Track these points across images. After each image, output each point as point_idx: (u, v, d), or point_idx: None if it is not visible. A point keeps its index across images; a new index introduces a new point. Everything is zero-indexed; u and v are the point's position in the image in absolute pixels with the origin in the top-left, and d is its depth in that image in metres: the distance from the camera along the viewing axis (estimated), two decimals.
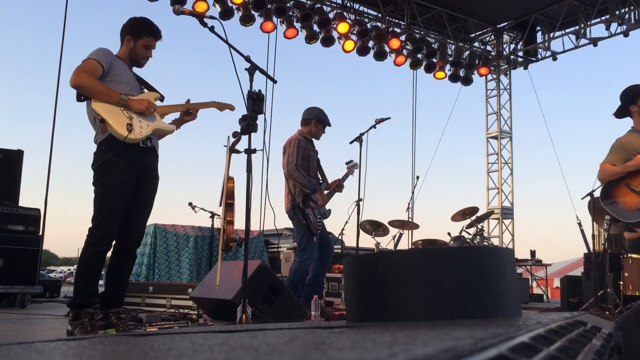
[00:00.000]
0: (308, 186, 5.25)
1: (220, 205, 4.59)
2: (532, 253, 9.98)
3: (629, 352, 1.84)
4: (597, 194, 5.22)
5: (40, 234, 6.46)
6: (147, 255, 7.71)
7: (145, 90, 3.81)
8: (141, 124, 3.52)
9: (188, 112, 3.85)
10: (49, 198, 6.94)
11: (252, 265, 4.28)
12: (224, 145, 4.41)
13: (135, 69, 3.85)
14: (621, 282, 5.96)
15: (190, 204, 6.77)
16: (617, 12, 9.74)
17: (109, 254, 3.66)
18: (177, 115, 3.89)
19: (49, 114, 7.98)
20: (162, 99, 3.86)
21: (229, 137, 4.38)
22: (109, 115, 3.43)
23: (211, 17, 3.50)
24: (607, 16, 9.90)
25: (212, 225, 6.91)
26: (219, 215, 5.27)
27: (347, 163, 5.66)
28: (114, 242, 3.60)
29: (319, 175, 5.53)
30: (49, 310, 5.91)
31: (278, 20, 9.00)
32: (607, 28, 10.06)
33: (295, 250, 8.20)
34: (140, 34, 3.71)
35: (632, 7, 9.65)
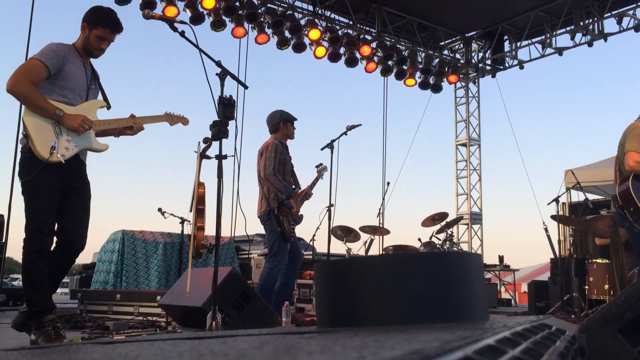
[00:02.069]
0: (284, 192, 5.24)
1: (190, 211, 4.54)
2: (501, 258, 10.14)
3: (593, 354, 1.89)
4: (563, 199, 5.32)
5: (4, 241, 6.30)
6: (115, 263, 7.58)
7: (91, 96, 3.66)
8: (68, 144, 3.39)
9: (130, 127, 3.74)
10: (13, 204, 6.78)
11: (223, 271, 4.25)
12: (195, 151, 4.37)
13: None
14: (586, 287, 6.10)
15: (159, 209, 6.68)
16: (582, 23, 10.01)
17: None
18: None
19: (14, 118, 7.79)
20: (108, 107, 3.74)
21: (199, 142, 4.33)
22: (35, 131, 3.30)
23: (182, 22, 3.47)
24: (572, 27, 10.17)
25: (182, 231, 6.83)
26: (189, 221, 5.23)
27: (317, 166, 5.67)
28: (52, 248, 3.50)
29: (292, 181, 5.53)
30: (12, 319, 5.75)
31: (249, 26, 8.99)
32: (572, 38, 10.34)
33: (266, 256, 8.19)
34: (96, 24, 3.55)
35: (595, 19, 9.93)
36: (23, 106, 3.35)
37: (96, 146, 3.59)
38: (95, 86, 3.74)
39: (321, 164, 5.66)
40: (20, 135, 3.41)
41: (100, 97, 3.78)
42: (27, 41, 7.29)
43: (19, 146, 3.45)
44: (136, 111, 3.85)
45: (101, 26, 3.55)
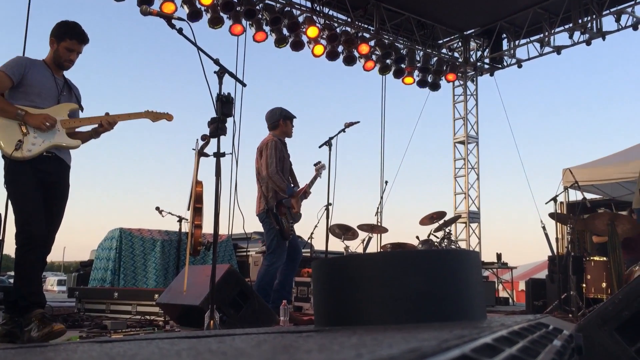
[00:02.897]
0: (286, 191, 5.23)
1: (188, 209, 4.54)
2: (498, 256, 10.15)
3: (590, 353, 1.89)
4: (561, 198, 5.34)
5: (1, 238, 6.29)
6: (112, 260, 7.57)
7: (62, 101, 3.77)
8: (35, 141, 3.54)
9: (103, 124, 3.84)
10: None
11: (221, 269, 4.25)
12: (193, 149, 4.38)
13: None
14: (584, 285, 6.12)
15: (157, 208, 6.68)
16: (580, 21, 10.01)
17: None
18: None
19: None
20: (80, 109, 3.88)
21: (197, 140, 4.34)
22: (1, 130, 3.47)
23: (179, 19, 3.47)
24: (570, 24, 10.17)
25: (180, 229, 6.83)
26: (187, 219, 5.22)
27: (315, 164, 5.66)
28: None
29: (290, 179, 5.52)
30: None
31: (247, 23, 8.97)
32: (571, 37, 10.33)
33: (264, 254, 8.19)
34: (63, 37, 3.72)
35: (594, 17, 9.93)
36: None
37: (65, 142, 3.70)
38: (69, 95, 3.84)
39: (319, 162, 5.65)
40: None
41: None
42: (24, 42, 7.26)
43: None
44: (133, 109, 3.93)
45: (68, 38, 3.74)
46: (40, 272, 3.73)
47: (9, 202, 3.65)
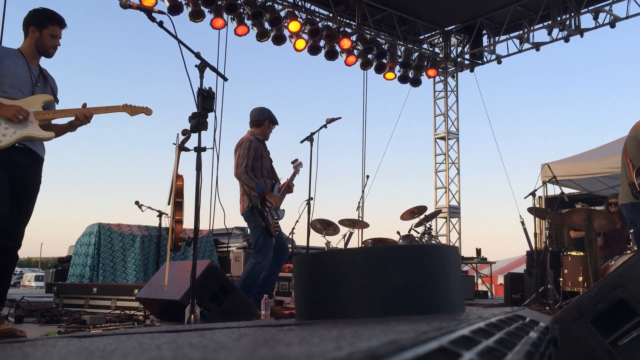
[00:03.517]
0: (256, 189, 5.19)
1: (168, 204, 4.51)
2: (478, 251, 10.27)
3: (566, 345, 1.93)
4: (539, 193, 5.42)
5: None
6: (91, 256, 7.49)
7: (37, 93, 3.70)
8: (5, 131, 3.46)
9: (79, 117, 3.77)
10: None
11: (201, 265, 4.24)
12: (173, 143, 4.34)
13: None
14: (561, 279, 6.22)
15: (137, 202, 6.63)
16: (559, 19, 10.14)
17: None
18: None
19: None
20: (55, 101, 3.80)
21: (178, 134, 4.30)
22: None
23: (160, 12, 3.43)
24: (549, 22, 10.29)
25: (160, 224, 6.78)
26: (167, 214, 5.19)
27: (292, 162, 5.65)
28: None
29: (270, 176, 5.50)
30: None
31: (229, 17, 8.92)
32: (549, 33, 10.47)
33: (245, 249, 8.17)
34: (44, 24, 3.66)
35: (572, 14, 10.07)
36: None
37: (37, 134, 3.61)
38: (45, 86, 3.76)
39: (296, 160, 5.64)
40: None
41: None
42: (1, 32, 7.14)
43: None
44: (112, 103, 3.86)
45: (50, 24, 3.67)
46: (10, 269, 3.65)
47: None
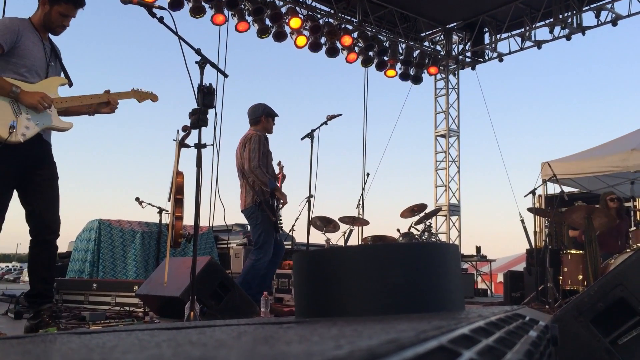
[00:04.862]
0: (268, 185, 5.20)
1: (169, 201, 4.52)
2: (478, 249, 10.28)
3: (565, 344, 1.93)
4: (539, 191, 5.42)
5: None
6: (91, 252, 7.49)
7: (50, 74, 3.46)
8: (28, 123, 3.22)
9: (106, 104, 3.57)
10: None
11: (201, 261, 4.24)
12: (174, 139, 4.35)
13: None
14: (561, 277, 6.22)
15: (137, 199, 6.62)
16: (561, 16, 10.12)
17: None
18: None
19: None
20: (69, 84, 3.56)
21: (178, 131, 4.31)
22: None
23: (160, 8, 3.41)
24: (551, 19, 10.27)
25: (160, 220, 6.78)
26: (167, 211, 5.19)
27: (277, 164, 5.63)
28: (30, 239, 3.40)
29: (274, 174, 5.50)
30: None
31: (229, 13, 8.90)
32: (551, 31, 10.45)
33: (245, 246, 8.17)
34: (58, 0, 3.37)
35: (574, 12, 10.05)
36: None
37: (58, 124, 3.42)
38: (56, 63, 3.56)
39: (279, 162, 5.63)
40: None
41: (62, 75, 3.61)
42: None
43: None
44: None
45: (64, 2, 3.38)
46: (51, 259, 3.50)
47: None
